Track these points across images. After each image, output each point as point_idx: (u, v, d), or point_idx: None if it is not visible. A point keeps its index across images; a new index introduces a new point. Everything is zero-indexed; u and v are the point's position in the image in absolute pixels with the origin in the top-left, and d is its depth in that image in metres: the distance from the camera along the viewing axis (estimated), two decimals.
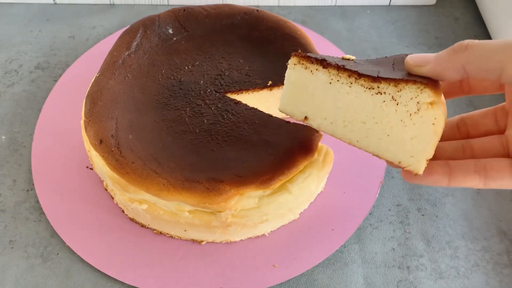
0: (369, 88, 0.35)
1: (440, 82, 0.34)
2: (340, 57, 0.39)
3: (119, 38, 0.52)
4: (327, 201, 0.49)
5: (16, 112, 0.56)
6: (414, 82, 0.33)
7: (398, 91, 0.34)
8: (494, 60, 0.30)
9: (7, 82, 0.59)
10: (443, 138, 0.35)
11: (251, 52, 0.53)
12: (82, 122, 0.47)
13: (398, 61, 0.37)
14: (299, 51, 0.39)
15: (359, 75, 0.35)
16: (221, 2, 0.67)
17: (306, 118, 0.39)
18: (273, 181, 0.43)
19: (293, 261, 0.45)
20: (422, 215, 0.49)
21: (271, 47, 0.53)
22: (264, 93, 0.50)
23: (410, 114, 0.34)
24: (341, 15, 0.68)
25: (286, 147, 0.45)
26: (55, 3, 0.68)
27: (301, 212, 0.48)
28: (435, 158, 0.35)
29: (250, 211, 0.43)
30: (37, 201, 0.49)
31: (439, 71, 0.32)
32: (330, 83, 0.37)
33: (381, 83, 0.34)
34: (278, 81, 0.50)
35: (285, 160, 0.44)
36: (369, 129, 0.36)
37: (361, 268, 0.45)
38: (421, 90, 0.33)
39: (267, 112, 0.48)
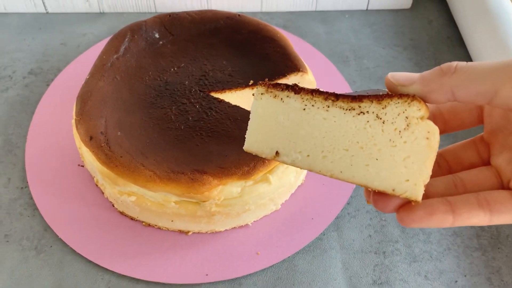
0: (349, 110, 0.31)
1: None
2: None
3: (108, 42, 0.55)
4: (307, 192, 0.52)
5: (10, 115, 0.58)
6: (400, 96, 0.30)
7: (382, 108, 0.31)
8: (486, 83, 0.28)
9: (1, 87, 0.61)
10: None
11: (233, 54, 0.56)
12: (73, 121, 0.50)
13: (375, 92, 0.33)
14: (266, 80, 0.35)
15: (336, 96, 0.31)
16: (205, 8, 0.70)
17: (277, 153, 0.34)
18: (254, 171, 0.45)
19: (275, 249, 0.47)
20: None
21: (252, 49, 0.56)
22: (246, 91, 0.53)
23: (400, 132, 0.30)
24: (321, 20, 0.71)
25: None
26: (47, 12, 0.71)
27: (283, 203, 0.51)
28: (427, 197, 0.32)
29: (233, 201, 0.46)
30: (31, 198, 0.51)
31: (426, 92, 0.30)
32: (304, 109, 0.32)
33: (362, 101, 0.31)
34: (259, 80, 0.53)
35: None
36: (354, 156, 0.31)
37: (340, 254, 0.48)
38: (409, 103, 0.30)
39: (248, 110, 0.51)
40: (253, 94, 0.34)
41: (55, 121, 0.57)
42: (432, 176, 0.31)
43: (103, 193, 0.51)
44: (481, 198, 0.31)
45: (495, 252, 0.48)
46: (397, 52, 0.67)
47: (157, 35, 0.57)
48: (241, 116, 0.50)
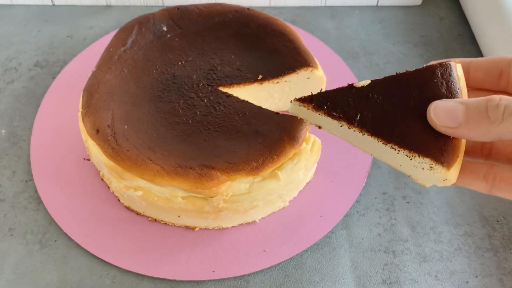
0: (384, 143, 0.33)
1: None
2: (352, 85, 0.34)
3: (115, 35, 0.54)
4: (315, 190, 0.51)
5: (16, 107, 0.58)
6: (431, 158, 0.32)
7: (412, 156, 0.33)
8: None
9: (7, 79, 0.61)
10: None
11: (242, 48, 0.55)
12: (79, 114, 0.49)
13: (423, 86, 0.33)
14: (303, 96, 0.36)
15: (371, 134, 0.33)
16: (213, 1, 0.69)
17: (320, 127, 0.37)
18: (263, 167, 0.45)
19: (282, 246, 0.47)
20: (407, 202, 0.51)
21: (261, 43, 0.55)
22: (255, 86, 0.52)
23: (423, 169, 0.33)
24: (330, 15, 0.70)
25: (276, 136, 0.46)
26: (54, 5, 0.71)
27: (291, 200, 0.50)
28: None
29: (241, 197, 0.45)
30: (36, 191, 0.50)
31: (471, 136, 0.30)
32: (341, 126, 0.35)
33: (394, 145, 0.33)
34: (268, 75, 0.52)
35: (274, 148, 0.46)
36: (383, 155, 0.35)
37: (348, 253, 0.47)
38: (436, 164, 0.32)
39: (257, 104, 0.50)
40: (291, 101, 0.37)
41: (61, 114, 0.56)
42: None
43: (108, 187, 0.50)
44: (491, 172, 0.33)
45: (507, 253, 0.47)
46: (408, 48, 0.66)
47: (165, 28, 0.56)
48: (250, 111, 0.49)
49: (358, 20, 0.70)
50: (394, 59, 0.65)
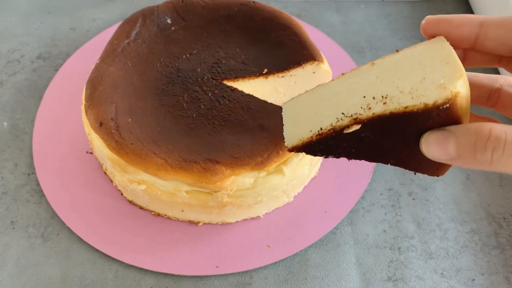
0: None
1: None
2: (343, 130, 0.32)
3: (119, 27, 0.54)
4: (320, 185, 0.51)
5: (18, 99, 0.57)
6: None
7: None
8: None
9: (9, 71, 0.60)
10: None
11: (247, 41, 0.54)
12: (82, 106, 0.48)
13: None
14: (294, 147, 0.35)
15: (370, 159, 0.33)
16: None
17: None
18: (268, 162, 0.44)
19: (287, 242, 0.46)
20: (413, 199, 0.50)
21: (266, 37, 0.54)
22: (260, 80, 0.52)
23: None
24: (336, 9, 0.70)
25: (281, 131, 0.46)
26: None
27: (295, 195, 0.49)
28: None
29: (245, 192, 0.44)
30: (38, 184, 0.50)
31: (463, 165, 0.29)
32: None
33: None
34: (273, 69, 0.52)
35: (279, 143, 0.45)
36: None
37: (353, 249, 0.47)
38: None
39: (262, 98, 0.49)
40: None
41: (64, 106, 0.56)
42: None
43: (111, 181, 0.49)
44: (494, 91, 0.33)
45: None
46: (414, 43, 0.65)
47: (169, 21, 0.55)
48: (255, 105, 0.48)
49: (364, 15, 0.69)
50: None
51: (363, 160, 0.33)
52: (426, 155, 0.29)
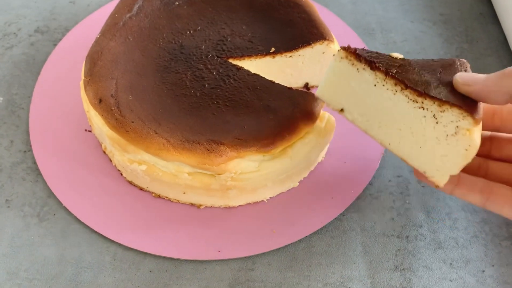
0: (413, 101, 0.35)
1: (482, 109, 0.36)
2: (388, 54, 0.38)
3: (121, 0, 0.51)
4: (327, 170, 0.49)
5: (14, 74, 0.55)
6: (459, 107, 0.34)
7: (441, 111, 0.35)
8: None
9: (6, 45, 0.58)
10: None
11: (254, 18, 0.52)
12: (81, 82, 0.46)
13: (446, 68, 0.37)
14: (349, 45, 0.38)
15: (406, 86, 0.35)
16: None
17: (342, 110, 0.40)
18: (274, 145, 0.42)
19: (291, 227, 0.45)
20: (423, 186, 0.49)
21: (274, 14, 0.52)
22: (267, 60, 0.50)
23: (447, 135, 0.35)
24: None
25: (288, 112, 0.44)
26: None
27: (301, 181, 0.48)
28: None
29: (249, 175, 0.43)
30: (34, 162, 0.48)
31: (486, 93, 0.33)
32: (375, 85, 0.37)
33: (426, 99, 0.35)
34: (281, 48, 0.49)
35: (286, 125, 0.43)
36: (403, 137, 0.37)
37: (360, 236, 0.45)
38: (464, 116, 0.34)
39: (269, 78, 0.47)
40: (333, 55, 0.42)
41: (62, 82, 0.53)
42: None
43: (111, 160, 0.48)
44: (488, 185, 0.36)
45: None
46: (427, 27, 0.63)
47: None
48: (261, 86, 0.46)
49: None
50: (412, 37, 0.62)
51: (399, 88, 0.36)
52: (456, 81, 0.35)
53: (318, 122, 0.45)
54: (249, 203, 0.46)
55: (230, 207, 0.46)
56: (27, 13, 0.61)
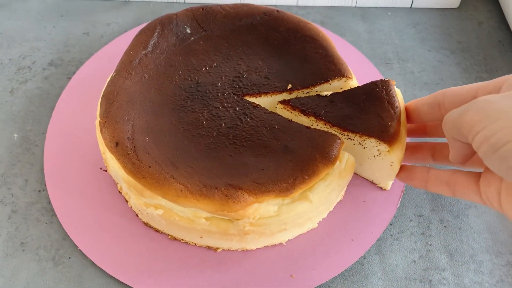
0: (342, 134, 0.44)
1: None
2: (317, 94, 0.47)
3: (136, 36, 0.51)
4: (346, 210, 0.48)
5: (29, 109, 0.55)
6: (374, 137, 0.42)
7: (363, 140, 0.44)
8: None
9: (20, 79, 0.58)
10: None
11: (270, 53, 0.51)
12: (97, 122, 0.46)
13: (369, 94, 0.44)
14: (284, 99, 0.47)
15: (332, 125, 0.44)
16: (239, 1, 0.65)
17: None
18: (293, 189, 0.41)
19: (311, 272, 0.44)
20: (445, 226, 0.47)
21: (291, 49, 0.51)
22: (283, 96, 0.49)
23: (374, 156, 0.45)
24: (361, 17, 0.66)
25: (307, 153, 0.43)
26: None
27: (320, 221, 0.47)
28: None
29: (269, 220, 0.42)
30: (49, 202, 0.48)
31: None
32: (312, 125, 0.45)
33: (349, 133, 0.44)
34: (298, 84, 0.49)
35: (305, 167, 0.42)
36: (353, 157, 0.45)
37: (381, 281, 0.44)
38: (379, 143, 0.43)
39: (285, 117, 0.46)
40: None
41: (76, 118, 0.53)
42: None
43: (127, 201, 0.47)
44: (451, 177, 0.39)
45: None
46: (444, 55, 0.62)
47: (188, 30, 0.52)
48: (278, 125, 0.45)
49: (391, 23, 0.66)
50: (429, 66, 0.61)
51: (328, 126, 0.45)
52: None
53: (337, 162, 0.44)
54: (267, 246, 0.45)
55: (247, 250, 0.45)
56: (41, 45, 0.61)
